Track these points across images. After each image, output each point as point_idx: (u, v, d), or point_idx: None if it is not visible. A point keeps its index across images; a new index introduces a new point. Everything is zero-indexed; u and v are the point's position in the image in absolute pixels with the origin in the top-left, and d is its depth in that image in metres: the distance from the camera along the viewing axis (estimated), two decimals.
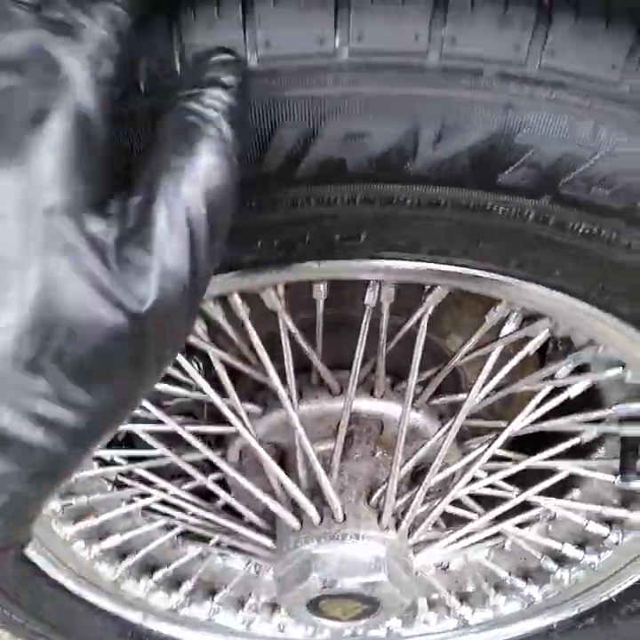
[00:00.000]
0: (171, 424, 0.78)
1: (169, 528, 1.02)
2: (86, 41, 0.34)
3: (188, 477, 0.94)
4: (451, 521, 0.99)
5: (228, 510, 0.90)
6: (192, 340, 0.70)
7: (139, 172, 0.37)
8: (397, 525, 0.76)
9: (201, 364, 0.87)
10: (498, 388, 0.75)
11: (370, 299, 0.62)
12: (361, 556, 0.73)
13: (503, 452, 0.91)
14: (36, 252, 0.32)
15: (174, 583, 1.09)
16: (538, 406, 0.75)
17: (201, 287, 0.38)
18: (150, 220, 0.35)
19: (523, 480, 0.90)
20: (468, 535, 0.88)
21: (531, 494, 0.86)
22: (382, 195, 0.45)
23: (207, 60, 0.38)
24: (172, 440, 0.86)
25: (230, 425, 0.85)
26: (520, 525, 0.96)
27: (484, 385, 0.71)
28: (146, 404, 0.78)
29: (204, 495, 0.92)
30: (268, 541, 0.82)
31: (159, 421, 0.81)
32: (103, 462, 0.93)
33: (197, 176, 0.36)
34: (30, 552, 0.92)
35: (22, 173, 0.32)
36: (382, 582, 0.72)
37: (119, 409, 0.39)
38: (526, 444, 0.90)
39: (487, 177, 0.43)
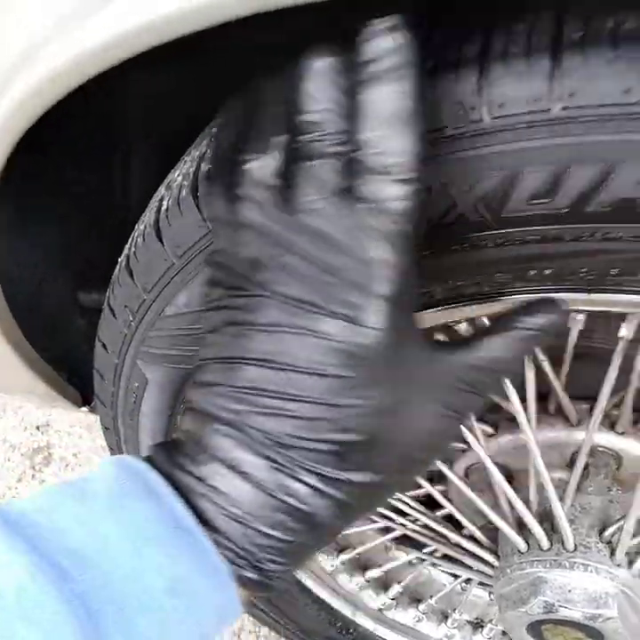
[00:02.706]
0: None
1: (386, 531, 1.08)
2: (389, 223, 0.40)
3: None
4: None
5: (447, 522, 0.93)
6: None
7: None
8: (631, 564, 0.75)
9: None
10: None
11: (626, 332, 0.63)
12: (590, 587, 0.73)
13: None
14: None
15: (383, 585, 1.15)
16: None
17: None
18: None
19: None
20: None
21: None
22: None
23: None
24: None
25: (461, 441, 0.89)
26: None
27: None
28: None
29: (423, 504, 0.96)
30: (490, 557, 0.84)
31: None
32: None
33: None
34: None
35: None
36: (611, 618, 0.71)
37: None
38: None
39: None
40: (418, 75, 0.40)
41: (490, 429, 0.86)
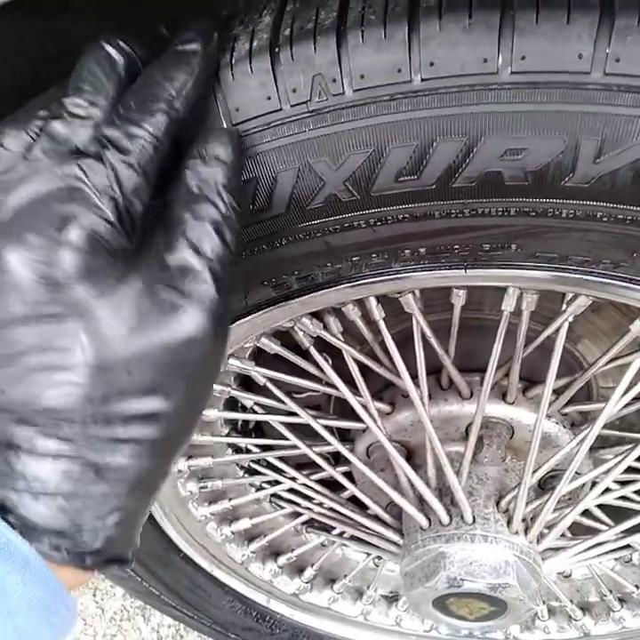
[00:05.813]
0: (305, 417, 0.82)
1: (295, 515, 1.06)
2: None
3: (314, 469, 0.98)
4: (575, 530, 0.98)
5: (352, 503, 0.93)
6: (328, 337, 0.72)
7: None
8: (527, 531, 0.76)
9: (330, 361, 0.91)
10: (636, 399, 0.73)
11: (508, 305, 0.63)
12: (490, 558, 0.74)
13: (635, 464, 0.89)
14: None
15: (296, 569, 1.14)
16: None
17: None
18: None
19: None
20: (595, 546, 0.86)
21: None
22: (538, 207, 0.45)
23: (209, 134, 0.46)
24: (299, 432, 0.90)
25: (359, 421, 0.88)
26: None
27: (622, 395, 0.70)
28: (282, 396, 0.82)
29: (329, 487, 0.95)
30: (394, 536, 0.84)
31: (292, 413, 0.85)
32: (238, 450, 0.99)
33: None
34: (168, 529, 0.99)
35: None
36: (511, 586, 0.72)
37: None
38: None
39: None
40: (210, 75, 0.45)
41: (387, 408, 0.85)
